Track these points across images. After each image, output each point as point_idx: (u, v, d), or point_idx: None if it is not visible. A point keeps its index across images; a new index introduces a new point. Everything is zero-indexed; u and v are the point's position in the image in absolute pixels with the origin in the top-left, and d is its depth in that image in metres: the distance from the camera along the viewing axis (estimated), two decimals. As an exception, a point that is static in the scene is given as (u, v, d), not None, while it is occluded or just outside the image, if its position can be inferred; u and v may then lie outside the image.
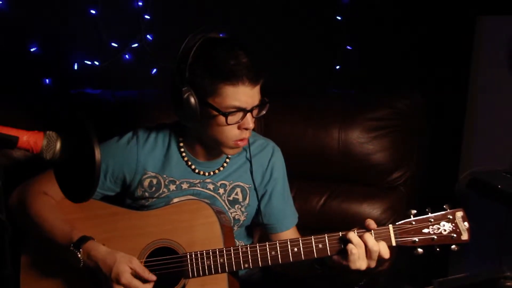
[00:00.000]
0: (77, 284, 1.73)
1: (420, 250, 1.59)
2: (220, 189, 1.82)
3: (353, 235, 1.59)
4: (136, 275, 1.63)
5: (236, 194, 1.83)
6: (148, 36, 2.62)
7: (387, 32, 2.94)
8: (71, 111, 1.99)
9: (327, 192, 2.33)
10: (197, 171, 1.81)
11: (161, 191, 1.79)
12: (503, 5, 2.64)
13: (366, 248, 1.58)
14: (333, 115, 2.31)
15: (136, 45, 2.62)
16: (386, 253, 1.59)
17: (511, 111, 2.66)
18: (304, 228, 1.96)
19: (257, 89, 1.67)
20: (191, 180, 1.81)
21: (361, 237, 1.59)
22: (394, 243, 1.60)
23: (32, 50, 2.45)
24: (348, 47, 2.98)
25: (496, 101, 2.71)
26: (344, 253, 1.60)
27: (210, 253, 1.66)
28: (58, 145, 1.29)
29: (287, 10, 2.86)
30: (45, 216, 1.72)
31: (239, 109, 1.65)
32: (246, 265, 1.65)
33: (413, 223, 1.60)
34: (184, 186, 1.80)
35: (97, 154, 1.25)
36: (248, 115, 1.66)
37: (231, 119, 1.64)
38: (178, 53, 1.66)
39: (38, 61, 2.46)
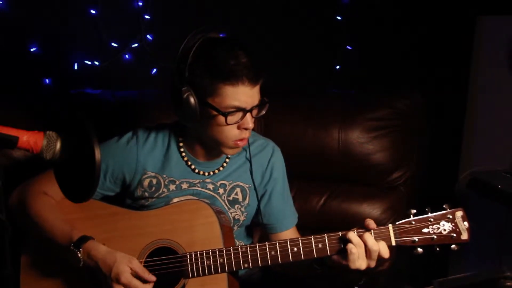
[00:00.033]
0: (77, 284, 1.73)
1: (420, 249, 1.59)
2: (220, 189, 1.82)
3: (352, 235, 1.59)
4: (136, 276, 1.63)
5: (236, 194, 1.83)
6: (148, 36, 2.62)
7: (387, 32, 2.94)
8: (71, 111, 1.99)
9: (327, 192, 2.33)
10: (196, 171, 1.81)
11: (160, 191, 1.79)
12: (503, 5, 2.64)
13: (365, 247, 1.58)
14: (333, 115, 2.31)
15: (136, 45, 2.62)
16: (386, 253, 1.59)
17: (511, 111, 2.66)
18: (304, 228, 1.96)
19: (256, 89, 1.67)
20: (191, 180, 1.81)
21: (360, 236, 1.59)
22: (393, 243, 1.60)
23: (32, 50, 2.45)
24: (348, 47, 2.98)
25: (496, 101, 2.71)
26: (343, 252, 1.60)
27: (210, 253, 1.66)
28: (58, 145, 1.29)
29: (287, 10, 2.86)
30: (45, 216, 1.72)
31: (239, 109, 1.65)
32: (246, 265, 1.65)
33: (413, 222, 1.60)
34: (184, 186, 1.80)
35: (97, 154, 1.25)
36: (248, 115, 1.66)
37: (230, 119, 1.65)
38: (177, 53, 1.66)
39: (38, 61, 2.46)
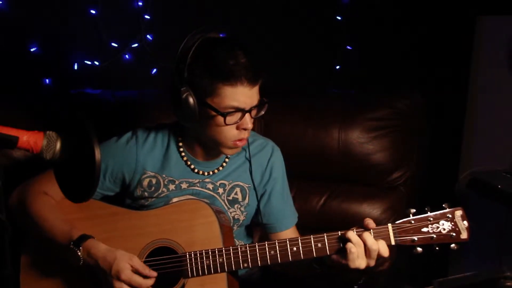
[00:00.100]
0: (77, 284, 1.73)
1: (419, 249, 1.59)
2: (219, 188, 1.82)
3: (352, 234, 1.59)
4: (137, 273, 1.63)
5: (236, 193, 1.83)
6: (148, 36, 2.62)
7: (387, 32, 2.94)
8: (71, 111, 1.99)
9: (327, 192, 2.33)
10: (196, 170, 1.81)
11: (160, 190, 1.79)
12: (503, 5, 2.64)
13: (365, 247, 1.58)
14: (333, 115, 2.31)
15: (136, 45, 2.62)
16: (385, 252, 1.59)
17: (511, 111, 2.66)
18: (304, 228, 1.96)
19: (255, 90, 1.67)
20: (190, 180, 1.81)
21: (360, 236, 1.59)
22: (393, 242, 1.60)
23: (32, 50, 2.45)
24: (348, 47, 2.98)
25: (496, 101, 2.71)
26: (343, 252, 1.60)
27: (210, 252, 1.66)
28: (58, 145, 1.29)
29: (287, 10, 2.86)
30: (45, 216, 1.73)
31: (238, 110, 1.65)
32: (246, 265, 1.65)
33: (412, 222, 1.60)
34: (184, 185, 1.80)
35: (97, 154, 1.25)
36: (247, 115, 1.66)
37: (229, 119, 1.65)
38: (177, 53, 1.66)
39: (38, 61, 2.46)
